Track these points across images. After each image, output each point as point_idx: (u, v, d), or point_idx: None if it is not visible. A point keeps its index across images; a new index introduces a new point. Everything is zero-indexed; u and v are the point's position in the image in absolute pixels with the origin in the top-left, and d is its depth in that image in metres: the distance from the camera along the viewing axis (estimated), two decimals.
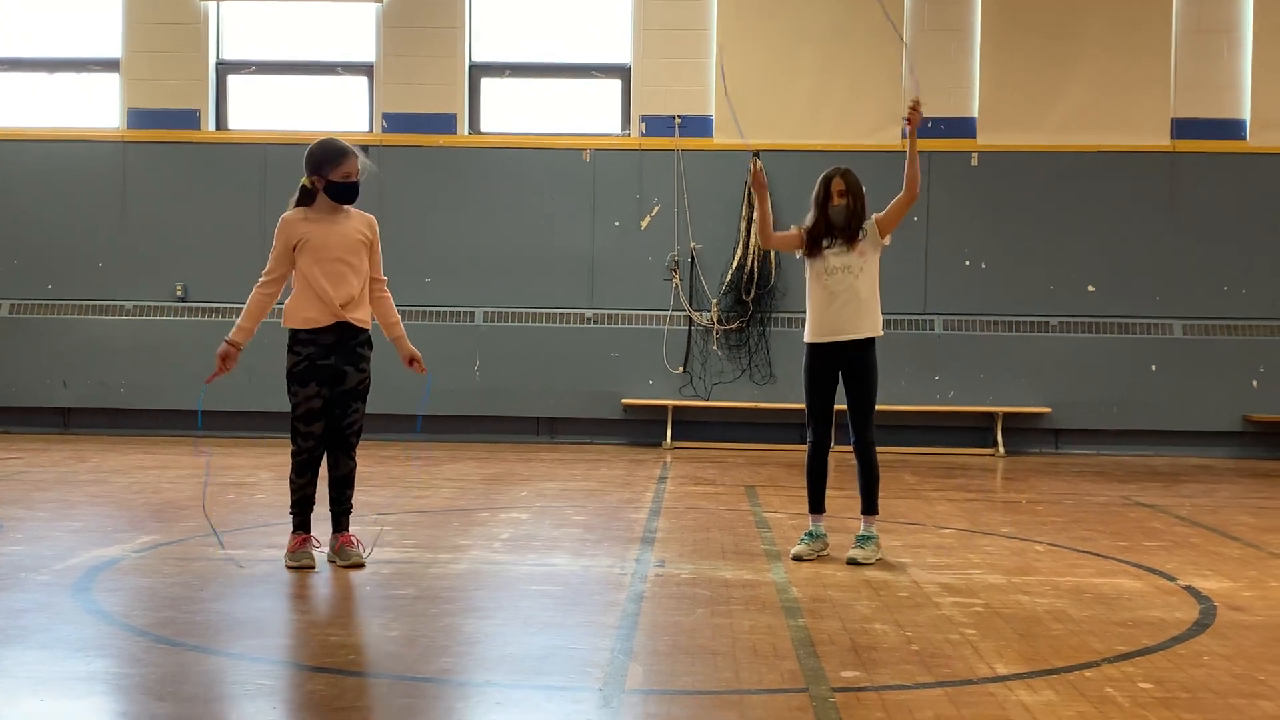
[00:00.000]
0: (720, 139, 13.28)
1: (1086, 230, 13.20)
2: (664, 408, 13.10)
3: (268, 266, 6.39)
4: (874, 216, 6.74)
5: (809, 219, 6.75)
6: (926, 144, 13.17)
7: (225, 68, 13.73)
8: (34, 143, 13.65)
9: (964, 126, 13.24)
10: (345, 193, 6.39)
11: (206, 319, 13.41)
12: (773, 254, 13.08)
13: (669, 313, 13.22)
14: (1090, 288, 13.20)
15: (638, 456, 12.13)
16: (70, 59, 13.83)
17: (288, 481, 6.41)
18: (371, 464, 11.02)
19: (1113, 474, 11.34)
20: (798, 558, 6.64)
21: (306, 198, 6.44)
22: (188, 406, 13.33)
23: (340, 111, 13.69)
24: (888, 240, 6.73)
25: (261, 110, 13.77)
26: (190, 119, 13.56)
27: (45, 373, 13.46)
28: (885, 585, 6.01)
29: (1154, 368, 13.10)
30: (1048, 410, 13.09)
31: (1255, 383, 13.07)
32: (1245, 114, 13.14)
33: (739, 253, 13.14)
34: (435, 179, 13.38)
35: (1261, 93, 13.10)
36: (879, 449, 6.90)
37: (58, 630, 4.93)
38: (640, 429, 13.29)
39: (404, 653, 4.73)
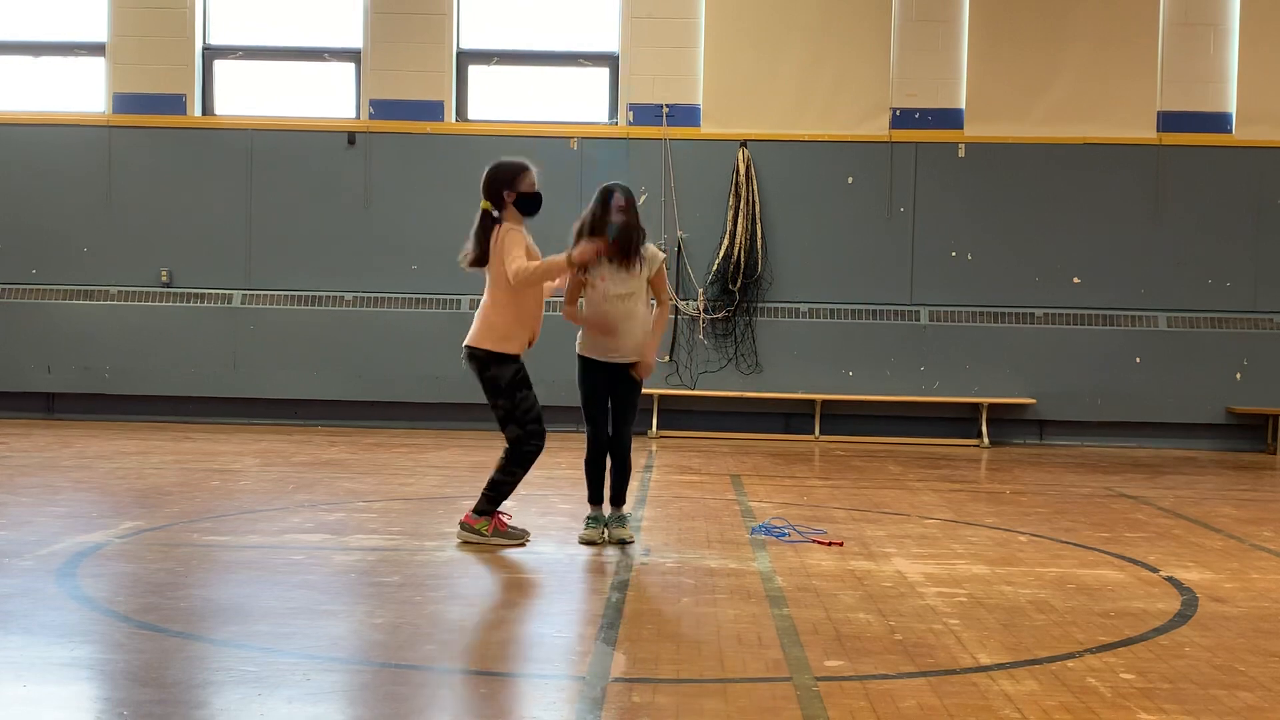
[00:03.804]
0: (707, 128, 13.27)
1: (1072, 222, 13.23)
2: (650, 396, 13.09)
3: (523, 259, 6.44)
4: (657, 261, 6.70)
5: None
6: (915, 135, 13.23)
7: (212, 53, 13.67)
8: (19, 127, 13.57)
9: (951, 118, 13.24)
10: (534, 203, 6.65)
11: (191, 304, 13.37)
12: (760, 244, 13.09)
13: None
14: (1076, 280, 13.23)
15: None
16: (56, 43, 13.74)
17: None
18: (357, 450, 11.02)
19: (1096, 465, 11.38)
20: (589, 542, 6.66)
21: (491, 221, 6.61)
22: (172, 392, 13.31)
23: (327, 98, 13.65)
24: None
25: (248, 96, 13.70)
26: (177, 104, 13.50)
27: (29, 358, 13.40)
28: (869, 575, 6.03)
29: (1138, 360, 13.14)
30: (1032, 401, 13.13)
31: (1238, 375, 13.12)
32: (1231, 107, 13.17)
33: (726, 242, 13.14)
34: (422, 166, 13.34)
35: (1247, 86, 13.13)
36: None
37: (41, 616, 4.92)
38: None
39: (389, 640, 4.73)
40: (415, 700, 4.03)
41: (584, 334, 6.75)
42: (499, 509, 6.72)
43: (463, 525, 6.66)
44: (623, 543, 6.64)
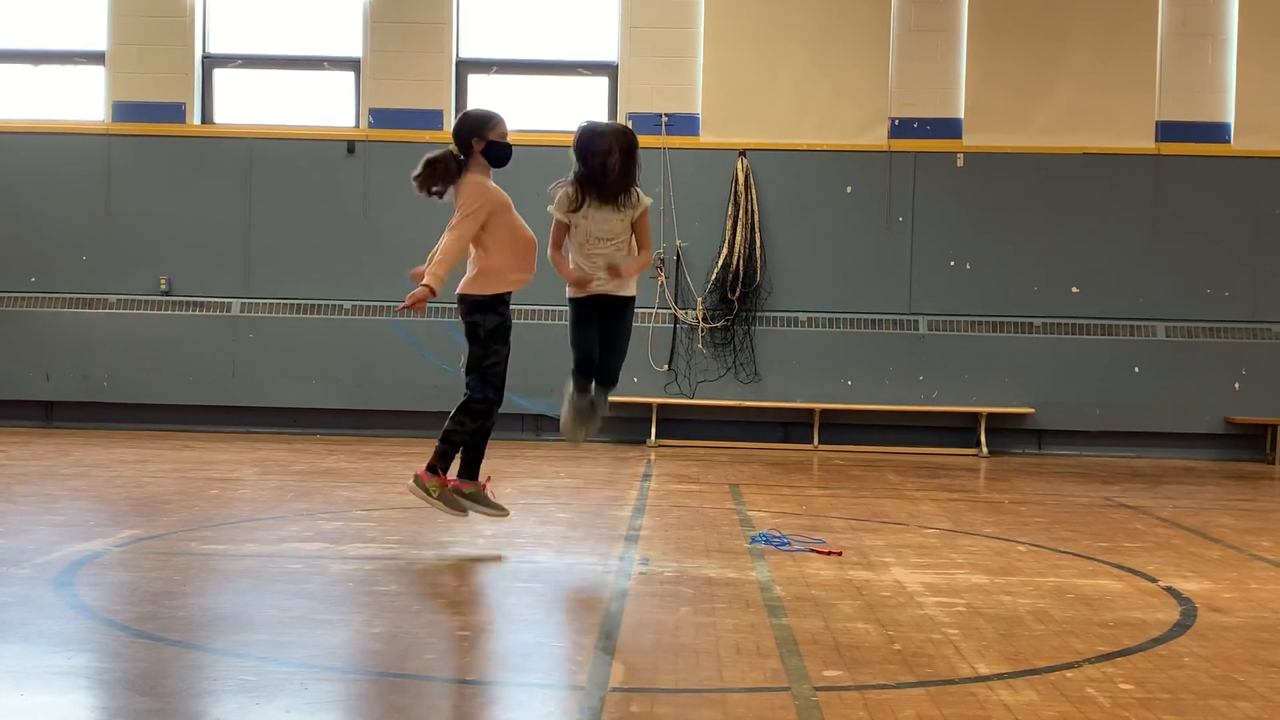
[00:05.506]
0: (706, 138, 13.28)
1: (1071, 232, 13.24)
2: (649, 405, 13.09)
3: (465, 235, 6.50)
4: (643, 204, 6.78)
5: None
6: (914, 144, 13.24)
7: (211, 61, 13.68)
8: (18, 135, 13.57)
9: (950, 127, 13.26)
10: (504, 152, 6.63)
11: (190, 313, 13.37)
12: (759, 253, 13.09)
13: (654, 310, 13.21)
14: (1074, 289, 13.23)
15: (622, 454, 12.13)
16: (55, 51, 13.75)
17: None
18: (356, 459, 11.01)
19: (1095, 475, 11.38)
20: (574, 431, 6.87)
21: (455, 163, 6.59)
22: (171, 400, 13.30)
23: (327, 107, 13.66)
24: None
25: (248, 104, 13.71)
26: (176, 112, 13.51)
27: (28, 366, 13.39)
28: (868, 584, 6.03)
29: (1137, 369, 13.14)
30: (1031, 411, 13.12)
31: (1237, 385, 13.12)
32: (1229, 117, 13.17)
33: (725, 251, 13.14)
34: None
35: (1246, 96, 13.14)
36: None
37: (39, 624, 4.91)
38: (625, 426, 13.26)
39: (387, 649, 4.73)
40: (413, 710, 4.03)
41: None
42: (483, 477, 6.74)
43: (415, 480, 6.67)
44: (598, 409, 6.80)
